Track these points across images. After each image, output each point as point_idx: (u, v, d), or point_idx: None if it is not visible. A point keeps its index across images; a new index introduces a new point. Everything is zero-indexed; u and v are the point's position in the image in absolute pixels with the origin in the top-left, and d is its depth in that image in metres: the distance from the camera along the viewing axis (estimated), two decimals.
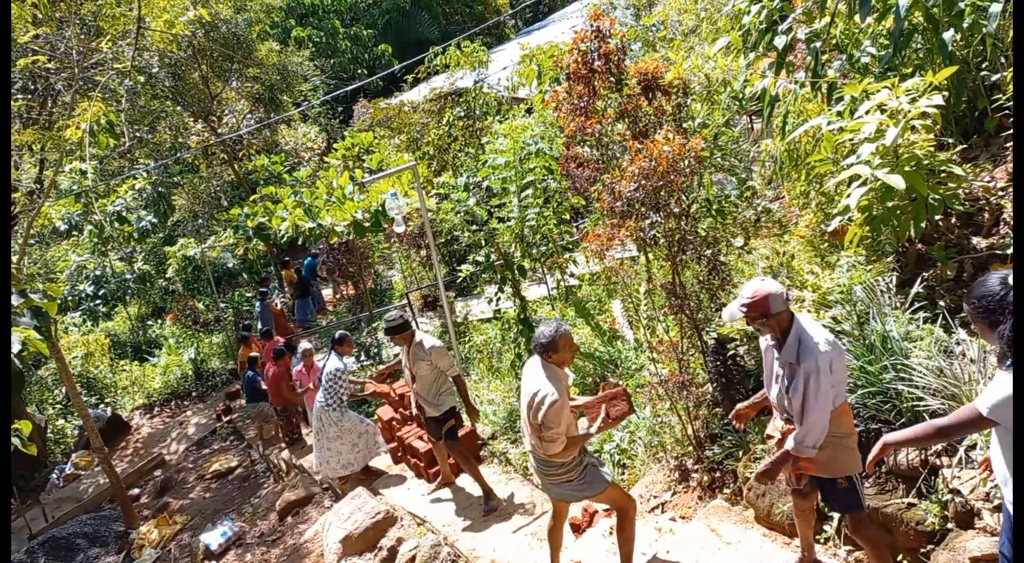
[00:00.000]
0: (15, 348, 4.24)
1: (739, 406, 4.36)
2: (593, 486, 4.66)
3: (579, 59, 6.83)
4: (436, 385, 6.73)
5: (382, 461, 8.78)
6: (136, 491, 12.12)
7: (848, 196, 4.45)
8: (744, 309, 3.72)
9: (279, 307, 15.51)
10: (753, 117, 10.95)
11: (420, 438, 8.05)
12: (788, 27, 5.78)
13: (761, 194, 7.32)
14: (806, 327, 3.69)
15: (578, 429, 4.63)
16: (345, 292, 18.41)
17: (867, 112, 4.43)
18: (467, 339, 10.99)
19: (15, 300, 4.66)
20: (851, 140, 4.65)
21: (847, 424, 3.79)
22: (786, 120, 5.86)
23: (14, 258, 10.20)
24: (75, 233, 16.30)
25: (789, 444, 3.76)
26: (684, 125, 6.60)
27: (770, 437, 4.13)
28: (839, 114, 4.94)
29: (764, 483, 4.41)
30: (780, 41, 5.72)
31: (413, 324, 6.94)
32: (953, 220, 5.22)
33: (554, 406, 4.28)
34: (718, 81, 6.73)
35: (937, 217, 4.36)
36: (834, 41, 5.88)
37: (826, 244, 5.92)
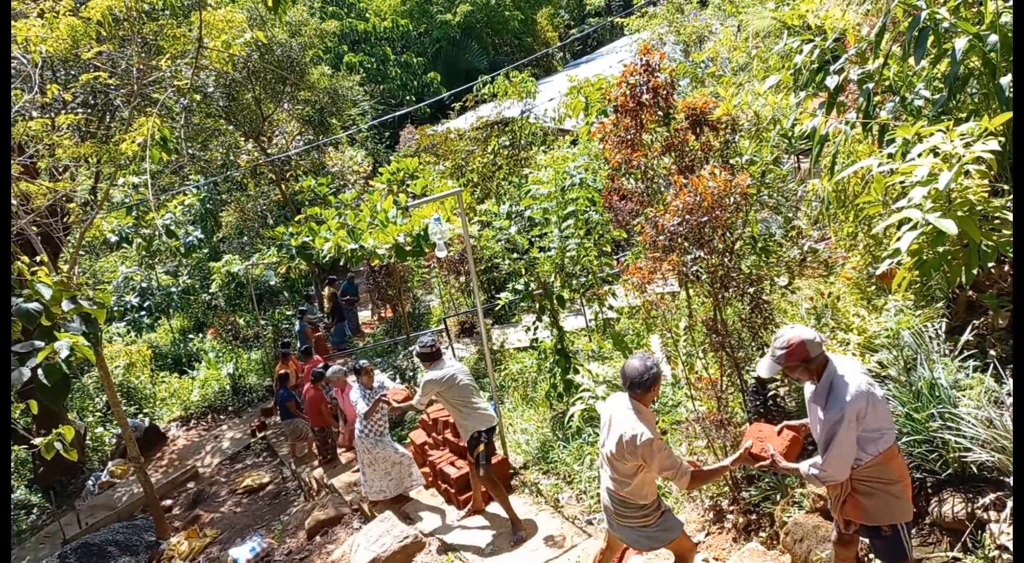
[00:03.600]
0: (63, 353, 4.30)
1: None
2: (670, 532, 4.45)
3: (627, 92, 6.86)
4: (456, 412, 6.86)
5: None
6: (169, 502, 12.23)
7: (898, 239, 4.38)
8: (782, 359, 3.69)
9: (319, 330, 15.63)
10: (801, 156, 10.88)
11: (451, 464, 8.04)
12: (840, 67, 5.75)
13: (807, 234, 7.25)
14: (841, 372, 3.63)
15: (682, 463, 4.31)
16: (383, 315, 18.53)
17: (920, 155, 4.36)
18: (503, 367, 10.97)
19: (65, 306, 4.75)
20: (902, 183, 4.58)
21: (895, 470, 3.66)
22: (835, 160, 5.81)
23: (64, 267, 10.46)
24: (124, 245, 16.70)
25: (804, 466, 3.76)
26: (731, 161, 6.57)
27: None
28: (890, 156, 4.87)
29: (752, 463, 4.19)
30: (832, 81, 5.69)
31: (443, 351, 7.04)
32: (1006, 268, 5.11)
33: (652, 444, 4.08)
34: (767, 119, 6.70)
35: (990, 264, 4.27)
36: (887, 83, 5.83)
37: (873, 287, 5.83)
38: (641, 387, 4.20)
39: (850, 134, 5.63)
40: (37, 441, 4.74)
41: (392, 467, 8.27)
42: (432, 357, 6.82)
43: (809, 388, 3.87)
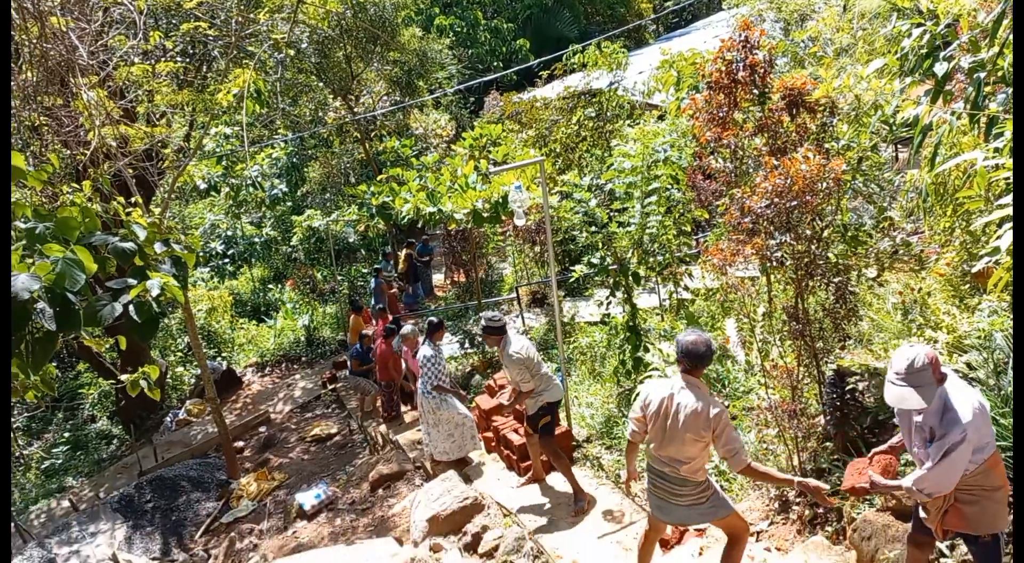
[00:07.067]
0: (154, 291, 4.40)
1: (876, 450, 4.13)
2: (719, 509, 4.55)
3: (723, 68, 6.68)
4: (529, 385, 6.76)
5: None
6: (240, 444, 12.69)
7: (998, 237, 4.17)
8: (927, 377, 3.43)
9: (392, 288, 15.85)
10: (900, 145, 10.45)
11: (515, 431, 8.10)
12: (951, 54, 5.47)
13: (900, 226, 6.98)
14: (952, 391, 3.48)
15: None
16: (456, 279, 18.69)
17: None
18: (572, 340, 10.97)
19: (158, 247, 4.89)
20: (1007, 179, 4.36)
21: (998, 477, 3.55)
22: (937, 151, 5.55)
23: (156, 211, 10.84)
24: (213, 193, 17.22)
25: (907, 481, 3.55)
26: (826, 146, 6.36)
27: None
28: (997, 151, 4.63)
29: (855, 495, 4.21)
30: (940, 68, 5.42)
31: (508, 326, 6.92)
32: None
33: (723, 415, 4.22)
34: (868, 104, 6.43)
35: None
36: (1000, 73, 5.52)
37: (967, 285, 5.59)
38: (704, 364, 4.31)
39: (955, 125, 5.36)
40: (124, 377, 4.97)
41: (455, 429, 8.36)
42: (501, 331, 6.76)
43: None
